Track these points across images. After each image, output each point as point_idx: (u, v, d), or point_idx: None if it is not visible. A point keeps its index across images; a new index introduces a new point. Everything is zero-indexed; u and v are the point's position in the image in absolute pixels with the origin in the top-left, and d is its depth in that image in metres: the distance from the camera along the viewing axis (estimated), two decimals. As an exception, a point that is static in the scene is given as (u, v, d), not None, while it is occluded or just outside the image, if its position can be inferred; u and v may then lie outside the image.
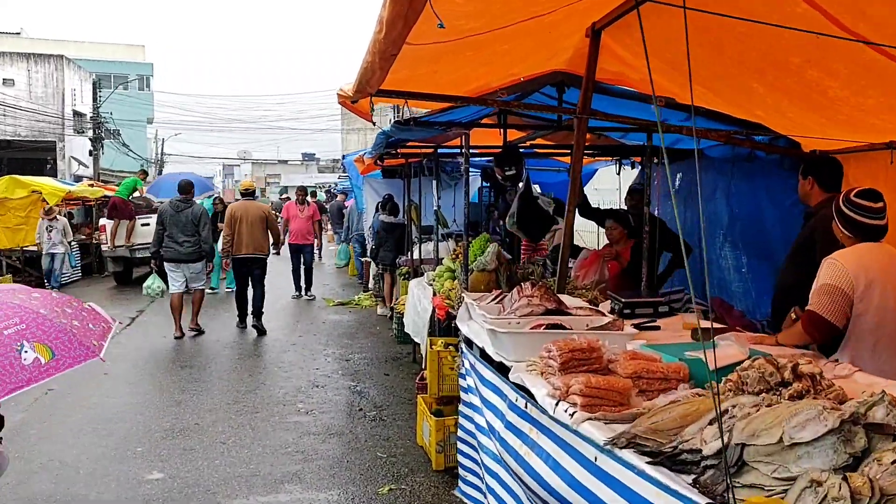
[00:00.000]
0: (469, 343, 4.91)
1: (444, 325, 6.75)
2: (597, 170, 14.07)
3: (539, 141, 8.30)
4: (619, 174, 9.60)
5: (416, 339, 8.54)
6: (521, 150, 7.79)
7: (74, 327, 3.22)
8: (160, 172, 54.46)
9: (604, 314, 4.43)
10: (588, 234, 11.51)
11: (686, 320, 4.95)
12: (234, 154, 75.55)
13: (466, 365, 5.06)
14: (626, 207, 9.22)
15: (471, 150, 8.13)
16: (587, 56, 5.07)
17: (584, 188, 14.20)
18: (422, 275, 10.14)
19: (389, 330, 11.41)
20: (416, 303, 8.40)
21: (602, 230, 9.87)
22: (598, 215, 7.52)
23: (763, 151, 6.16)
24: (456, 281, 6.92)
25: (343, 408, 7.53)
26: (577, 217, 9.13)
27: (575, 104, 5.39)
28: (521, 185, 7.67)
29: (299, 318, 12.79)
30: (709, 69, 4.79)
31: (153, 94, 53.98)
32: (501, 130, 7.52)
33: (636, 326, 4.78)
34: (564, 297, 4.91)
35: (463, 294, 5.42)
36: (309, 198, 16.17)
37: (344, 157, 12.67)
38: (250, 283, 11.29)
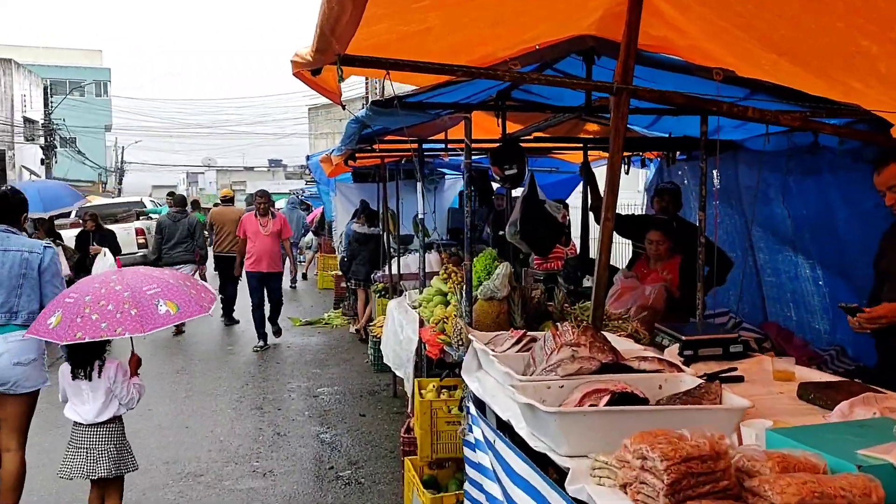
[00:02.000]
0: (480, 404, 3.53)
1: (436, 363, 5.37)
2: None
3: (538, 135, 6.95)
4: (627, 174, 8.27)
5: (396, 373, 7.16)
6: (521, 145, 6.42)
7: (192, 294, 4.43)
8: (120, 181, 52.52)
9: (680, 367, 3.08)
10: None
11: (777, 366, 3.61)
12: (198, 161, 73.47)
13: (478, 435, 3.67)
14: (652, 212, 7.97)
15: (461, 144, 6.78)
16: (624, 14, 3.76)
17: (573, 190, 12.96)
18: (401, 293, 8.77)
19: (364, 354, 10.00)
20: (397, 329, 7.00)
21: (622, 241, 8.57)
22: (626, 223, 6.18)
23: (838, 139, 4.86)
24: (450, 307, 5.53)
25: (309, 465, 6.09)
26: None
27: (604, 82, 4.04)
28: (523, 186, 6.33)
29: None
30: (792, 25, 3.51)
31: (111, 100, 51.93)
32: (499, 120, 6.15)
33: (710, 378, 3.44)
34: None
35: (467, 333, 4.04)
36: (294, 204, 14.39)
37: (309, 157, 10.99)
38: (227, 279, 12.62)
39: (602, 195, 6.77)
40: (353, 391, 8.39)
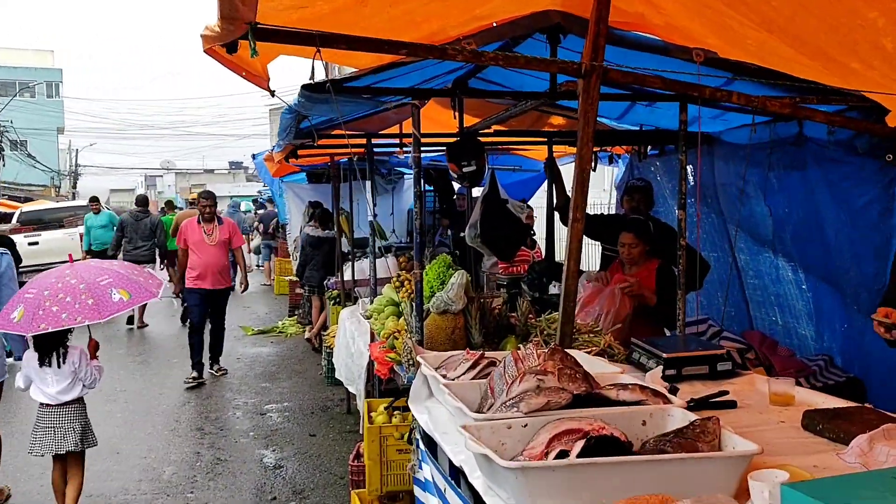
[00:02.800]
0: (430, 444, 2.99)
1: (385, 383, 4.82)
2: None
3: (498, 128, 6.42)
4: (594, 170, 7.79)
5: (348, 388, 6.59)
6: (479, 140, 5.89)
7: (140, 281, 4.95)
8: (74, 185, 51.03)
9: (666, 397, 2.56)
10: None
11: (774, 389, 3.11)
12: (156, 164, 71.91)
13: (427, 475, 3.13)
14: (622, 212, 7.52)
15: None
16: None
17: (536, 189, 12.48)
18: (356, 300, 8.19)
19: (318, 366, 9.39)
20: (349, 341, 6.43)
21: (591, 242, 8.09)
22: (595, 224, 5.68)
23: (827, 129, 4.41)
24: (401, 319, 4.98)
25: (249, 496, 5.49)
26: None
27: (571, 61, 3.53)
28: (483, 185, 5.81)
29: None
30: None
31: (63, 101, 50.40)
32: (455, 112, 5.62)
33: (697, 404, 2.94)
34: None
35: (416, 353, 3.48)
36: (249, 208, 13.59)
37: (254, 156, 10.22)
38: None
39: (569, 194, 6.31)
40: (303, 407, 7.79)
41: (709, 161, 6.08)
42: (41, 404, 4.78)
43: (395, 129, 6.35)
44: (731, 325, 5.72)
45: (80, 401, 4.87)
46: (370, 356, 5.06)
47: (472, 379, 2.87)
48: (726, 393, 3.06)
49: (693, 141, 5.91)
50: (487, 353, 3.13)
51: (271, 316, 13.75)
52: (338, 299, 8.98)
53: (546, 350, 2.62)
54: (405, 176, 13.48)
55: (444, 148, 6.11)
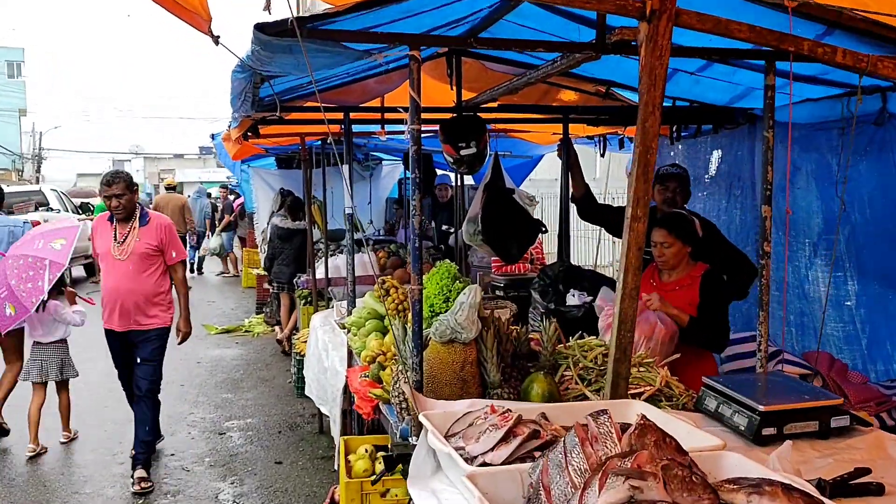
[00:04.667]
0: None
1: (368, 423, 3.85)
2: (542, 155, 11.43)
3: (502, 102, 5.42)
4: (602, 156, 6.87)
5: (320, 409, 5.62)
6: (479, 117, 4.90)
7: (24, 295, 5.54)
8: (38, 169, 49.25)
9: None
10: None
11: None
12: (125, 148, 69.88)
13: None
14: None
15: (403, 115, 5.22)
16: None
17: (524, 178, 11.51)
18: (329, 302, 7.20)
19: (287, 372, 8.39)
20: (322, 354, 5.45)
21: (606, 238, 7.18)
22: (618, 216, 4.74)
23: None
24: (388, 338, 3.99)
25: (199, 550, 4.50)
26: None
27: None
28: (483, 172, 4.84)
29: (165, 356, 9.50)
30: None
31: (25, 82, 48.49)
32: (452, 81, 4.65)
33: (834, 489, 2.01)
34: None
35: (416, 408, 2.50)
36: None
37: (213, 136, 9.03)
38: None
39: (581, 182, 5.34)
40: (269, 425, 6.78)
41: (748, 144, 5.17)
42: (34, 343, 6.04)
43: (374, 104, 5.37)
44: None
45: (62, 341, 6.12)
46: (348, 383, 4.08)
47: (509, 461, 1.91)
48: (867, 472, 2.12)
49: (714, 120, 5.01)
50: (519, 408, 2.17)
51: (238, 312, 12.68)
52: (308, 299, 7.98)
53: (634, 429, 1.66)
54: (383, 162, 12.48)
55: (436, 126, 5.14)
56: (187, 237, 15.82)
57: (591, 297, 4.40)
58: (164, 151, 70.52)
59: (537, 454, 1.90)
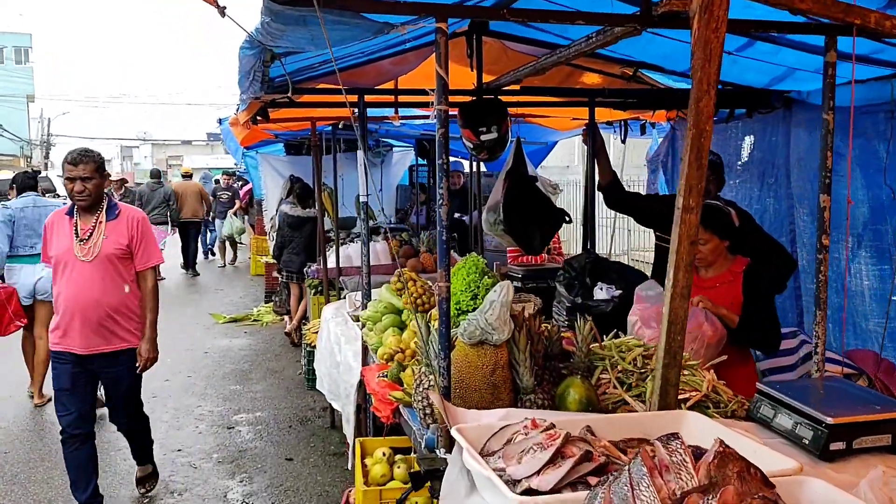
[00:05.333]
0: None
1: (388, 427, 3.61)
2: (557, 142, 11.14)
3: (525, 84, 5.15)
4: (623, 142, 6.58)
5: (332, 404, 5.41)
6: (501, 101, 4.64)
7: None
8: (47, 155, 49.15)
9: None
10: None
11: None
12: (133, 134, 69.67)
13: None
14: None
15: (418, 98, 4.98)
16: None
17: (537, 166, 11.22)
18: (340, 292, 6.97)
19: (297, 364, 8.19)
20: (334, 347, 5.24)
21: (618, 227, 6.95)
22: (643, 204, 4.50)
23: None
24: (406, 333, 3.76)
25: (207, 554, 4.29)
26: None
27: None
28: (505, 158, 4.59)
29: (172, 346, 9.33)
30: None
31: (33, 67, 48.31)
32: (473, 63, 4.39)
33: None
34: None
35: (448, 419, 2.27)
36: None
37: (220, 121, 8.72)
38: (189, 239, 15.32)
39: (608, 169, 5.08)
40: (279, 419, 6.57)
41: (782, 130, 4.89)
42: None
43: (388, 87, 5.12)
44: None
45: None
46: (363, 380, 3.86)
47: (558, 488, 1.67)
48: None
49: (783, 101, 4.74)
50: (560, 421, 1.94)
51: (246, 301, 12.47)
52: (319, 289, 7.75)
53: (714, 456, 1.42)
54: (394, 148, 12.22)
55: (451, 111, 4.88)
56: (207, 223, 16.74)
57: (619, 291, 4.16)
58: (172, 138, 70.31)
59: (591, 479, 1.67)
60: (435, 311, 3.58)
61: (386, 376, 3.33)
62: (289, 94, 3.73)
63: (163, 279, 14.06)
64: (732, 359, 3.32)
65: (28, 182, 7.05)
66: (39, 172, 8.01)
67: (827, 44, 2.71)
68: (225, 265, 16.95)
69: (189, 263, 15.70)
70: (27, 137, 46.77)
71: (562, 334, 3.16)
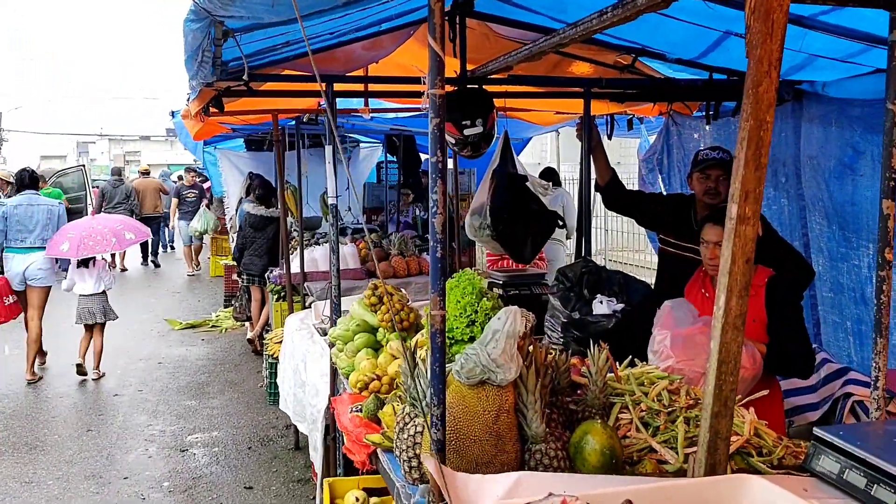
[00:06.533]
0: None
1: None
2: (531, 138, 10.72)
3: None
4: (610, 138, 6.13)
5: (297, 426, 4.92)
6: (486, 91, 4.16)
7: (139, 227, 8.70)
8: (-1, 150, 47.57)
9: None
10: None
11: None
12: (90, 130, 67.84)
13: None
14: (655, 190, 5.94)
15: (396, 86, 4.51)
16: None
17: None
18: (305, 298, 6.46)
19: (258, 374, 7.64)
20: (299, 365, 4.74)
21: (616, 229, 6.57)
22: (648, 205, 4.06)
23: None
24: (381, 357, 3.27)
25: None
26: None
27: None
28: (494, 154, 4.12)
29: (124, 355, 8.70)
30: None
31: (-18, 59, 46.66)
32: (456, 49, 3.92)
33: None
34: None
35: (443, 489, 1.79)
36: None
37: (173, 113, 8.08)
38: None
39: (606, 166, 4.62)
40: (238, 440, 6.03)
41: (791, 124, 4.49)
42: (81, 296, 7.63)
43: (359, 74, 4.60)
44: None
45: (103, 293, 7.75)
46: (333, 413, 3.35)
47: None
48: None
49: (793, 93, 4.34)
50: (591, 496, 1.47)
51: (204, 304, 11.83)
52: (282, 294, 7.21)
53: None
54: (360, 144, 11.70)
55: (418, 105, 4.39)
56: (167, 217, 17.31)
57: (621, 305, 3.71)
58: (130, 133, 68.60)
59: None
60: (420, 337, 3.10)
61: (360, 411, 2.84)
62: (244, 78, 3.19)
63: (125, 270, 15.69)
64: (757, 386, 2.91)
65: (27, 180, 7.89)
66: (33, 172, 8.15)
67: (892, 20, 2.27)
68: (193, 272, 15.55)
69: (153, 252, 16.56)
70: (-22, 133, 45.28)
71: (564, 359, 2.68)
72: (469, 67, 4.20)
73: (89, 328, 7.68)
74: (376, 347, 3.43)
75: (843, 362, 4.17)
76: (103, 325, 7.75)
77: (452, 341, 2.50)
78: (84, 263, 7.56)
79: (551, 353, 2.55)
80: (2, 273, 7.56)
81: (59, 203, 8.23)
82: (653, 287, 3.99)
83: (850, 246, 4.29)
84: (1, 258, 7.60)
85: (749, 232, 1.85)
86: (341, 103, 5.81)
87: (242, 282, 9.17)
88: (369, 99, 5.32)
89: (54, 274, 7.82)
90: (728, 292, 1.85)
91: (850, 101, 3.95)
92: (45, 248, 7.45)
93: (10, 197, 9.15)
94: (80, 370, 7.68)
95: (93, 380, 7.67)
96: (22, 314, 7.67)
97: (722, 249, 1.89)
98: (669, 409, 2.35)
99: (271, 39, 3.10)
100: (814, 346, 3.97)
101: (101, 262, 7.77)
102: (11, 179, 9.34)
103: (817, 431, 2.11)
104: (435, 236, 1.90)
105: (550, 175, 8.32)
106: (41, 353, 7.97)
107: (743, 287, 1.86)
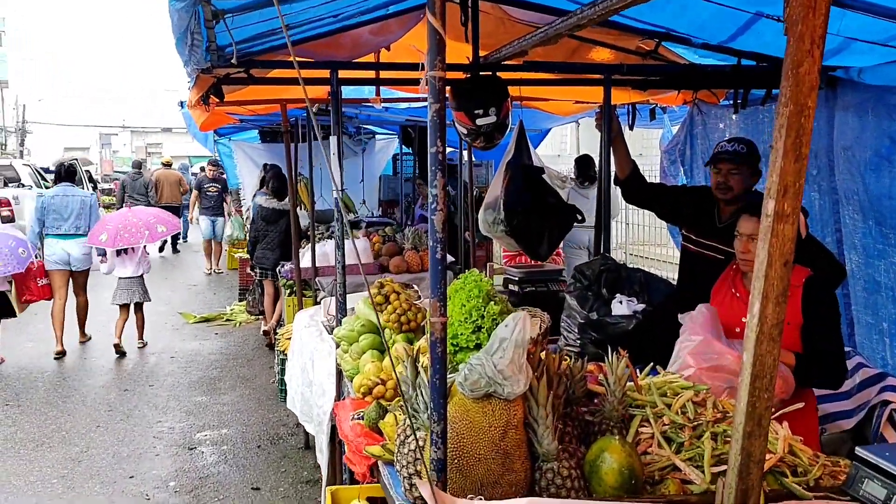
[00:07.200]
0: None
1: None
2: (549, 129, 10.51)
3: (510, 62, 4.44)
4: (631, 128, 5.91)
5: (305, 426, 4.77)
6: (500, 78, 3.96)
7: (170, 220, 9.35)
8: (22, 143, 47.98)
9: None
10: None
11: None
12: (113, 122, 68.22)
13: None
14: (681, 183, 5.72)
15: (402, 73, 4.31)
16: None
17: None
18: (316, 294, 6.29)
19: (270, 370, 7.50)
20: (307, 363, 4.58)
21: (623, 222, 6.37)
22: (669, 198, 3.85)
23: None
24: (386, 360, 3.10)
25: None
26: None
27: None
28: (509, 145, 3.93)
29: (136, 349, 8.61)
30: None
31: (6, 53, 47.01)
32: (468, 34, 3.72)
33: None
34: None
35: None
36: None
37: (181, 103, 7.91)
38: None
39: (626, 158, 4.39)
40: (247, 438, 5.89)
41: (824, 113, 4.25)
42: (120, 278, 8.34)
43: (368, 60, 4.41)
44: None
45: (141, 276, 8.45)
46: (336, 422, 3.18)
47: None
48: None
49: (826, 80, 4.10)
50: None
51: (220, 298, 11.72)
52: (292, 289, 7.05)
53: None
54: (377, 136, 11.53)
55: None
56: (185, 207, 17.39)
57: (642, 305, 3.51)
58: (152, 125, 68.87)
59: None
60: (423, 343, 2.92)
61: (362, 419, 2.66)
62: (233, 62, 3.00)
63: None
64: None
65: (63, 174, 8.67)
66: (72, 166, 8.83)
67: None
68: (211, 273, 15.05)
69: (172, 241, 17.01)
70: (1, 124, 45.64)
71: (581, 368, 2.48)
72: (482, 53, 4.00)
73: (125, 309, 8.38)
74: (382, 349, 3.25)
75: (877, 366, 3.94)
76: (141, 304, 8.52)
77: (457, 349, 2.31)
78: (123, 251, 8.34)
79: (566, 360, 2.36)
80: (40, 258, 8.30)
81: (91, 194, 9.14)
82: (675, 285, 3.78)
83: (888, 242, 4.04)
84: (42, 244, 8.36)
85: (788, 231, 1.64)
86: (351, 92, 5.63)
87: (255, 275, 9.04)
88: (381, 88, 5.14)
89: (90, 259, 8.65)
90: (763, 298, 1.65)
91: (888, 88, 3.70)
92: (78, 234, 8.27)
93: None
94: (118, 349, 8.32)
95: (138, 348, 8.58)
96: (52, 295, 8.31)
97: (757, 250, 1.68)
98: (695, 424, 2.15)
99: (269, 22, 2.92)
100: (847, 348, 3.75)
101: (140, 250, 8.46)
102: None
103: (860, 452, 1.91)
104: (435, 235, 1.71)
105: (587, 165, 8.01)
106: (83, 332, 8.80)
107: (780, 293, 1.65)
